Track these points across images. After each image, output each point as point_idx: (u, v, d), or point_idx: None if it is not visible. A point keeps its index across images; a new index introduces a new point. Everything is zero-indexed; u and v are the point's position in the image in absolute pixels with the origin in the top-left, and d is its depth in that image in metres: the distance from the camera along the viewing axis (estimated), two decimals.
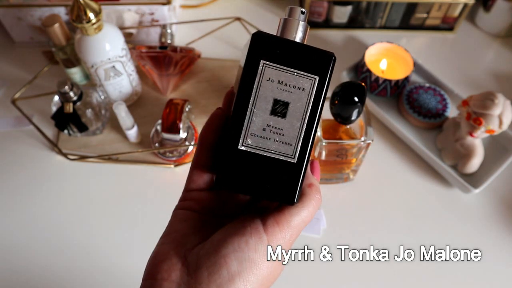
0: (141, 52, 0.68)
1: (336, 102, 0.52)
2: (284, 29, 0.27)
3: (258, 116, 0.26)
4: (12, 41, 0.81)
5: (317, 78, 0.26)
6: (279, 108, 0.26)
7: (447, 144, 0.67)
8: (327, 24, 0.85)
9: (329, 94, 0.55)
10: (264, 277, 0.24)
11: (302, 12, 0.27)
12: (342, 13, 0.82)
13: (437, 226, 0.63)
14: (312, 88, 0.26)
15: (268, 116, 0.26)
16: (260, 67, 0.26)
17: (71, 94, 0.61)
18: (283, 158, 0.26)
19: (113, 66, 0.64)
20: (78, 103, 0.63)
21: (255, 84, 0.26)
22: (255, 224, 0.25)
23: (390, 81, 0.69)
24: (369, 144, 0.57)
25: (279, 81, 0.26)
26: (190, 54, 0.69)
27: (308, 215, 0.26)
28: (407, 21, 0.84)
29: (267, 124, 0.26)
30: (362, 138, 0.57)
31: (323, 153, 0.59)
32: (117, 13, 0.75)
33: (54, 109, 0.65)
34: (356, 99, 0.51)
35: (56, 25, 0.64)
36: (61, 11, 0.73)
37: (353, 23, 0.85)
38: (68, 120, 0.63)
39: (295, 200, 0.26)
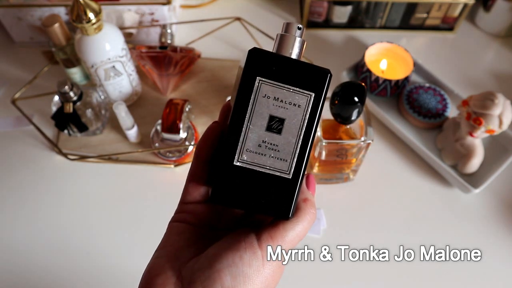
0: (141, 52, 0.68)
1: (336, 102, 0.52)
2: (280, 45, 0.27)
3: (254, 132, 0.26)
4: (12, 41, 0.81)
5: (313, 95, 0.26)
6: (275, 124, 0.26)
7: (447, 144, 0.67)
8: (327, 24, 0.85)
9: (329, 94, 0.55)
10: None
11: (299, 28, 0.27)
12: (342, 13, 0.82)
13: (437, 226, 0.63)
14: (308, 105, 0.26)
15: (263, 132, 0.26)
16: (256, 83, 0.26)
17: (71, 94, 0.61)
18: (278, 174, 0.26)
19: (113, 66, 0.64)
20: (78, 103, 0.63)
21: (251, 100, 0.26)
22: (249, 239, 0.25)
23: (390, 81, 0.69)
24: (369, 144, 0.57)
25: (275, 97, 0.26)
26: (190, 54, 0.69)
27: (303, 230, 0.26)
28: (407, 21, 0.84)
29: (263, 140, 0.26)
30: (362, 138, 0.57)
31: (323, 153, 0.59)
32: (117, 13, 0.75)
33: (54, 109, 0.65)
34: (356, 99, 0.51)
35: (56, 25, 0.64)
36: (61, 11, 0.73)
37: (353, 23, 0.85)
38: (68, 120, 0.63)
39: (290, 215, 0.26)
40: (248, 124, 0.26)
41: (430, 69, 0.75)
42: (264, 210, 0.26)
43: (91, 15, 0.57)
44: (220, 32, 0.82)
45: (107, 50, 0.61)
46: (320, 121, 0.58)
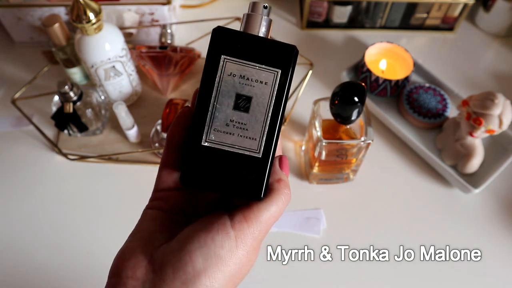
0: (141, 52, 0.68)
1: (336, 102, 0.52)
2: (247, 25, 0.27)
3: (221, 112, 0.26)
4: (12, 41, 0.81)
5: (280, 72, 0.26)
6: (242, 103, 0.26)
7: (447, 144, 0.67)
8: (327, 24, 0.85)
9: (329, 94, 0.55)
10: (232, 274, 0.24)
11: (265, 7, 0.27)
12: (342, 13, 0.82)
13: (437, 226, 0.63)
14: (275, 82, 0.26)
15: (231, 111, 0.26)
16: (221, 62, 0.25)
17: (71, 94, 0.61)
18: (247, 153, 0.26)
19: (113, 66, 0.64)
20: (78, 103, 0.63)
21: (216, 79, 0.25)
22: (222, 220, 0.25)
23: (390, 81, 0.69)
24: (369, 144, 0.57)
25: (240, 75, 0.26)
26: (190, 54, 0.69)
27: (277, 210, 0.26)
28: (407, 21, 0.84)
29: (230, 119, 0.26)
30: (362, 138, 0.57)
31: (323, 153, 0.59)
32: (117, 13, 0.75)
33: (54, 109, 0.65)
34: (356, 99, 0.51)
35: (56, 25, 0.64)
36: (61, 11, 0.73)
37: (353, 23, 0.85)
38: (68, 120, 0.63)
39: (262, 196, 0.26)
40: (215, 103, 0.26)
41: (430, 69, 0.75)
42: (235, 192, 0.26)
43: (91, 15, 0.57)
44: None
45: (107, 50, 0.61)
46: (320, 121, 0.58)
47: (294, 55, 0.26)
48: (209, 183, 0.26)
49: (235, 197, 0.27)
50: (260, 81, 0.26)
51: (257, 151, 0.26)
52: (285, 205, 0.26)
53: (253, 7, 0.27)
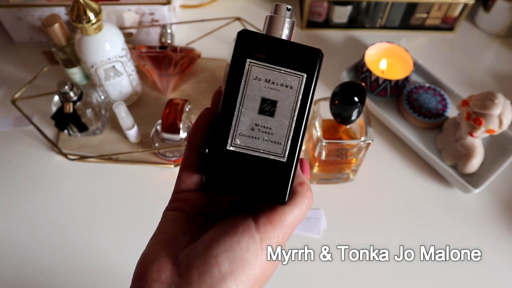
0: (141, 52, 0.68)
1: (336, 102, 0.52)
2: (270, 27, 0.27)
3: (246, 116, 0.26)
4: (12, 41, 0.81)
5: (305, 76, 0.26)
6: (267, 107, 0.26)
7: (447, 144, 0.67)
8: (327, 24, 0.85)
9: (329, 94, 0.55)
10: (257, 277, 0.24)
11: (288, 9, 0.27)
12: (342, 13, 0.82)
13: (437, 226, 0.63)
14: (300, 86, 0.26)
15: (256, 115, 0.26)
16: (247, 66, 0.25)
17: (71, 94, 0.61)
18: (272, 157, 0.26)
19: (113, 66, 0.64)
20: (78, 103, 0.63)
21: (242, 83, 0.25)
22: (247, 223, 0.25)
23: (390, 81, 0.69)
24: (369, 144, 0.57)
25: (266, 79, 0.25)
26: (190, 54, 0.69)
27: (301, 214, 0.26)
28: (407, 21, 0.84)
29: (256, 124, 0.26)
30: (362, 138, 0.57)
31: (323, 153, 0.59)
32: (117, 13, 0.75)
33: (54, 109, 0.65)
34: (356, 99, 0.51)
35: (56, 25, 0.64)
36: (61, 11, 0.73)
37: (353, 23, 0.85)
38: (68, 120, 0.63)
39: (286, 199, 0.26)
40: (240, 107, 0.25)
41: (430, 69, 0.75)
42: (260, 195, 0.26)
43: (91, 15, 0.57)
44: (220, 32, 0.82)
45: (107, 50, 0.61)
46: (320, 121, 0.58)
47: (320, 58, 0.26)
48: (233, 187, 0.26)
49: (259, 200, 0.27)
50: (286, 85, 0.26)
51: (282, 155, 0.26)
52: (308, 208, 0.27)
53: (276, 8, 0.27)
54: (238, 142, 0.26)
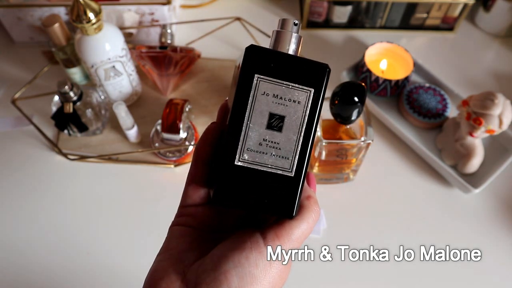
0: (141, 52, 0.68)
1: (336, 102, 0.52)
2: (277, 42, 0.27)
3: (254, 131, 0.26)
4: (12, 41, 0.81)
5: (312, 91, 0.26)
6: (275, 122, 0.26)
7: (447, 144, 0.67)
8: (327, 24, 0.85)
9: (329, 94, 0.55)
10: None
11: (295, 24, 0.27)
12: (342, 13, 0.82)
13: (437, 226, 0.63)
14: (308, 101, 0.26)
15: (264, 130, 0.26)
16: (255, 81, 0.25)
17: (71, 94, 0.61)
18: (280, 172, 0.26)
19: (113, 66, 0.64)
20: (78, 103, 0.63)
21: (250, 98, 0.25)
22: (255, 239, 0.25)
23: (390, 81, 0.69)
24: (369, 144, 0.57)
25: (274, 94, 0.26)
26: (190, 54, 0.69)
27: (308, 228, 0.26)
28: (407, 21, 0.84)
29: (264, 139, 0.26)
30: (362, 138, 0.57)
31: (323, 153, 0.59)
32: (117, 13, 0.75)
33: (54, 109, 0.65)
34: (356, 99, 0.51)
35: (56, 25, 0.64)
36: (61, 11, 0.73)
37: (353, 23, 0.85)
38: (68, 120, 0.63)
39: (294, 214, 0.26)
40: (248, 122, 0.26)
41: (430, 69, 0.75)
42: (267, 210, 0.26)
43: (91, 15, 0.57)
44: (220, 32, 0.82)
45: (107, 50, 0.61)
46: (320, 121, 0.58)
47: (327, 73, 0.26)
48: (241, 202, 0.26)
49: (265, 214, 0.27)
50: (293, 100, 0.26)
51: (290, 170, 0.26)
52: (315, 222, 0.27)
53: (283, 23, 0.27)
54: (246, 157, 0.26)
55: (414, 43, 0.85)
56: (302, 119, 0.26)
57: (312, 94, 0.26)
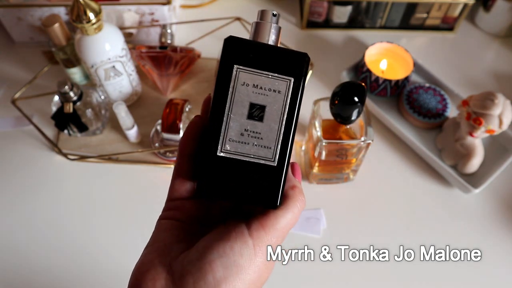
0: (141, 52, 0.68)
1: (336, 102, 0.52)
2: (256, 33, 0.27)
3: (235, 121, 0.26)
4: (12, 41, 0.81)
5: (292, 80, 0.26)
6: (256, 112, 0.26)
7: (447, 144, 0.67)
8: (327, 24, 0.85)
9: (329, 94, 0.55)
10: (251, 282, 0.24)
11: (274, 15, 0.27)
12: (342, 13, 0.82)
13: (437, 226, 0.63)
14: (288, 90, 0.26)
15: (245, 120, 0.26)
16: (234, 71, 0.26)
17: (71, 94, 0.61)
18: (263, 162, 0.26)
19: (113, 66, 0.64)
20: (78, 103, 0.63)
21: (230, 89, 0.26)
22: (240, 229, 0.25)
23: (390, 81, 0.69)
24: (369, 144, 0.57)
25: (254, 84, 0.26)
26: (190, 54, 0.69)
27: (293, 218, 0.26)
28: (407, 21, 0.84)
29: (245, 129, 0.26)
30: (362, 138, 0.57)
31: (323, 153, 0.59)
32: (117, 13, 0.75)
33: (54, 109, 0.65)
34: (356, 99, 0.51)
35: (56, 25, 0.64)
36: (61, 11, 0.73)
37: (353, 23, 0.85)
38: (68, 120, 0.63)
39: (278, 204, 0.26)
40: (229, 113, 0.26)
41: (430, 69, 0.75)
42: (251, 201, 0.26)
43: (91, 15, 0.57)
44: (220, 32, 0.82)
45: (107, 50, 0.61)
46: (320, 121, 0.58)
47: (306, 62, 0.26)
48: (225, 193, 0.26)
49: (251, 205, 0.27)
50: (273, 90, 0.26)
51: (272, 160, 0.26)
52: (300, 211, 0.27)
53: (262, 15, 0.27)
54: (228, 147, 0.26)
55: (414, 43, 0.85)
56: (283, 109, 0.26)
57: (292, 83, 0.26)
